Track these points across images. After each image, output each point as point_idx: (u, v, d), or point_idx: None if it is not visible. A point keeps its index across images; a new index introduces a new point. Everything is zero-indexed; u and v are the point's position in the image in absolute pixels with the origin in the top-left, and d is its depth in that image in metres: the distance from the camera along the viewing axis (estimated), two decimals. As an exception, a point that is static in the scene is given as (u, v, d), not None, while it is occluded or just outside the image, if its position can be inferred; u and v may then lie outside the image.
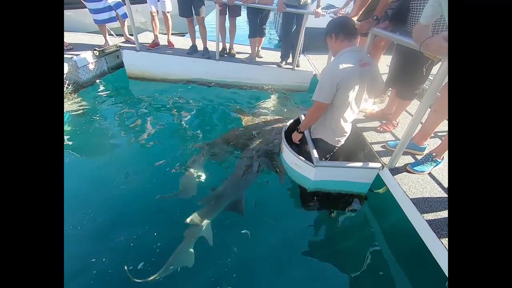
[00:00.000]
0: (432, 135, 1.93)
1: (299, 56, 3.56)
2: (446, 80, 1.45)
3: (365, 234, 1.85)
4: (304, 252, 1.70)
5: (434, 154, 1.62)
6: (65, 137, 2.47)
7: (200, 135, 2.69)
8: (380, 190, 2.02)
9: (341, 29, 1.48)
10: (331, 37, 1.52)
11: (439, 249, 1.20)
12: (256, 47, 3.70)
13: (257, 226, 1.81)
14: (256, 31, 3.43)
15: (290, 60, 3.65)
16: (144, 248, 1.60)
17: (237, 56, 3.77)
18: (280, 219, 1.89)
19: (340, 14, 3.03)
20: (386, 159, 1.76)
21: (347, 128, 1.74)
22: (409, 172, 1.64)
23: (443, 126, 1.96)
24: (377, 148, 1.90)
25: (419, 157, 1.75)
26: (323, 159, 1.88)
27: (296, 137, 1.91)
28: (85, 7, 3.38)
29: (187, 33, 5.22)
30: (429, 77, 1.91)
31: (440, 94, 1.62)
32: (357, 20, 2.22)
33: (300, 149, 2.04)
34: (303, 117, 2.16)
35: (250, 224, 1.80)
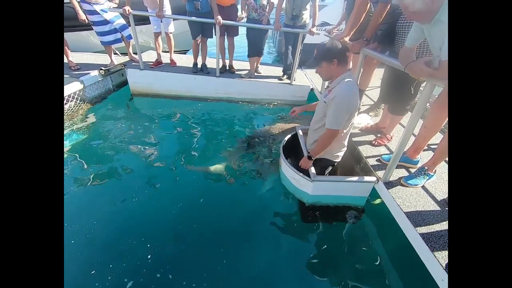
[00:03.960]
0: (426, 147, 2.00)
1: (295, 71, 3.71)
2: (434, 98, 1.54)
3: (364, 245, 1.87)
4: (303, 264, 1.72)
5: (426, 167, 1.68)
6: (72, 153, 2.56)
7: (201, 149, 2.78)
8: (376, 201, 2.06)
9: (342, 55, 1.50)
10: (331, 62, 1.50)
11: (431, 262, 1.24)
12: (255, 63, 3.85)
13: (257, 240, 1.85)
14: (255, 51, 3.59)
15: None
16: (143, 259, 1.65)
17: (237, 72, 3.92)
18: (280, 232, 1.92)
19: (334, 32, 3.18)
20: (381, 173, 1.82)
21: (346, 143, 1.82)
22: (403, 185, 1.70)
23: (436, 139, 2.03)
24: (372, 162, 1.96)
25: (413, 171, 1.81)
26: (324, 174, 1.93)
27: (306, 163, 1.82)
28: (91, 29, 3.57)
29: (188, 50, 5.46)
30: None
31: (430, 111, 1.70)
32: (349, 40, 2.36)
33: (298, 162, 2.11)
34: (300, 132, 2.24)
35: (250, 238, 1.85)
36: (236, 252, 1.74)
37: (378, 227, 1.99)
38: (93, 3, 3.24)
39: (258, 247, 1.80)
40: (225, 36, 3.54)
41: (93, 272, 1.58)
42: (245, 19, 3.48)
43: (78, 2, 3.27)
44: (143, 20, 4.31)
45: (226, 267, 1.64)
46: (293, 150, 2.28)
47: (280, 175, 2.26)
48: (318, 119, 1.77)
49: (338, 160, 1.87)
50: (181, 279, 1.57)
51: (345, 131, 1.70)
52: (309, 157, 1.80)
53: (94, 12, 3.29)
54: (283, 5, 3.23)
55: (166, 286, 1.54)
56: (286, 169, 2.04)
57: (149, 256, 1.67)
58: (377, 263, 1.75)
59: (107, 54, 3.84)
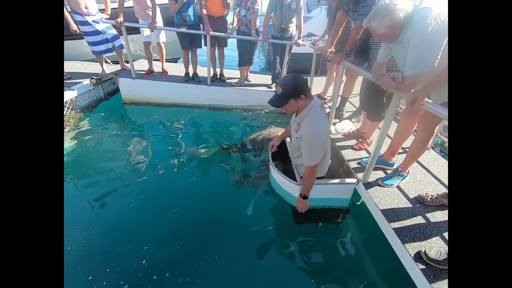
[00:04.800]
0: (401, 151, 2.20)
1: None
2: (404, 106, 1.72)
3: (346, 241, 2.01)
4: (296, 262, 1.84)
5: (400, 169, 1.86)
6: (64, 161, 2.59)
7: (193, 155, 2.87)
8: (359, 202, 2.22)
9: (305, 89, 1.50)
10: (298, 98, 1.48)
11: (403, 253, 1.40)
12: (245, 72, 4.01)
13: (250, 240, 1.96)
14: (245, 60, 3.76)
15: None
16: (140, 267, 1.72)
17: (228, 81, 4.05)
18: (272, 233, 2.04)
19: (318, 44, 3.40)
20: (361, 175, 1.98)
21: (328, 159, 1.90)
22: (380, 186, 1.86)
23: (409, 142, 2.22)
24: (353, 165, 2.13)
25: (389, 172, 1.99)
26: None
27: (304, 204, 1.81)
28: (82, 38, 3.62)
29: (178, 58, 5.56)
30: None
31: (401, 118, 1.90)
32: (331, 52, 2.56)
33: (286, 168, 2.25)
34: (288, 139, 2.39)
35: (244, 238, 1.96)
36: (229, 252, 1.85)
37: (360, 225, 2.14)
38: (85, 14, 3.31)
39: (250, 247, 1.91)
40: (216, 46, 3.68)
41: (90, 278, 1.64)
42: (236, 30, 3.62)
43: (69, 12, 3.33)
44: (134, 29, 4.38)
45: (219, 265, 1.75)
46: (281, 156, 2.42)
47: (270, 179, 2.39)
48: (294, 150, 1.84)
49: (325, 174, 1.96)
50: (177, 278, 1.65)
51: (327, 152, 1.77)
52: (304, 197, 1.77)
53: (85, 23, 3.36)
54: (272, 15, 3.41)
55: (162, 287, 1.62)
56: (275, 174, 2.17)
57: (144, 261, 1.75)
58: (358, 255, 1.90)
59: (97, 63, 3.89)
